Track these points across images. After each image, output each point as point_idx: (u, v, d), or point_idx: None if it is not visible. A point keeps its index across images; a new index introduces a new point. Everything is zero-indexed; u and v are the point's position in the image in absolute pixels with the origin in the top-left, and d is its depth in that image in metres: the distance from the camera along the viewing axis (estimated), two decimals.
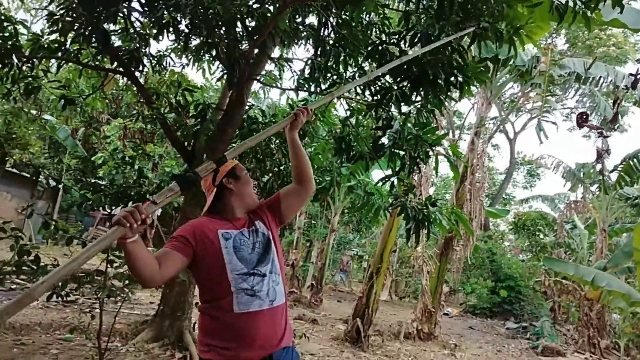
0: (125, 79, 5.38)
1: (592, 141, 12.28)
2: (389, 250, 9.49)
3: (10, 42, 4.28)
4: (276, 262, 2.02)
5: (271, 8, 4.43)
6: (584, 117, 10.76)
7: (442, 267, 11.06)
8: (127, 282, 3.42)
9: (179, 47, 5.53)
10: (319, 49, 4.72)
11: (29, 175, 15.75)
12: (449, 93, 4.07)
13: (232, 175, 2.13)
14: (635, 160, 11.10)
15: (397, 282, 21.53)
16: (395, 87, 4.04)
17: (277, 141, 4.39)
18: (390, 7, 5.46)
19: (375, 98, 4.27)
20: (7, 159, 11.49)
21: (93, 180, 4.50)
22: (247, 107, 4.81)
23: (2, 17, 4.20)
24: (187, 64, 6.19)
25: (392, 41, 4.08)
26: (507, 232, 25.17)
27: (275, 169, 4.40)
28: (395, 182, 4.62)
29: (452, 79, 3.83)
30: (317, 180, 13.70)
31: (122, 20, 4.12)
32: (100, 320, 3.29)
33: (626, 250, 9.89)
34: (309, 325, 9.35)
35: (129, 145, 6.32)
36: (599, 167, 12.33)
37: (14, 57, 4.39)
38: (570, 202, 16.39)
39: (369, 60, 4.43)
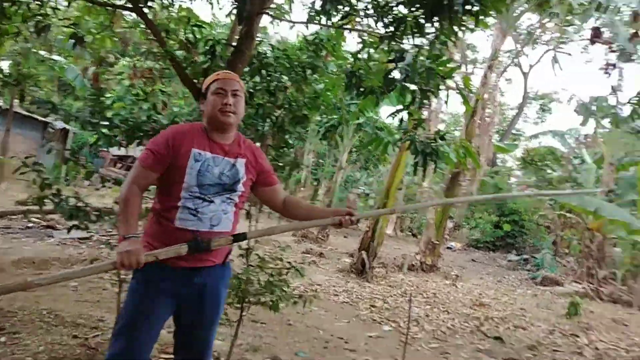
0: (134, 15, 5.33)
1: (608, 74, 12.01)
2: (396, 186, 9.67)
3: None
4: (235, 199, 2.07)
5: None
6: (598, 32, 10.46)
7: None
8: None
9: None
10: None
11: (39, 117, 15.88)
12: (464, 23, 3.99)
13: (203, 95, 2.12)
14: None
15: (402, 219, 21.94)
16: (409, 18, 3.96)
17: (291, 74, 4.40)
18: None
19: (388, 30, 4.21)
20: (25, 97, 11.53)
21: (103, 122, 4.58)
22: (256, 43, 4.76)
23: None
24: None
25: None
26: (515, 169, 25.22)
27: (287, 105, 4.44)
28: (405, 117, 4.64)
29: (468, 7, 3.73)
30: (326, 119, 13.71)
31: None
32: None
33: (631, 181, 9.97)
34: (316, 259, 9.72)
35: (138, 83, 6.35)
36: (613, 99, 12.21)
37: None
38: (580, 137, 16.30)
39: None
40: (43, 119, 16.36)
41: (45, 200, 3.02)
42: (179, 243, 1.93)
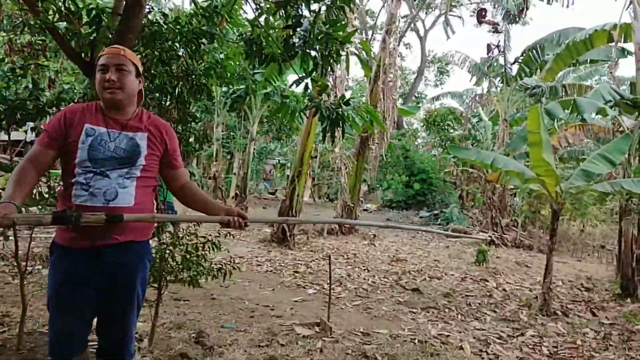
0: None
1: (496, 36, 12.87)
2: (309, 153, 9.73)
3: None
4: (136, 173, 2.00)
5: None
6: (483, 13, 11.15)
7: (359, 165, 11.57)
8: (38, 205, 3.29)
9: None
10: None
11: None
12: None
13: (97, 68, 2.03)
14: (534, 51, 11.68)
15: (319, 186, 22.27)
16: None
17: (184, 42, 4.17)
18: None
19: None
20: None
21: None
22: (146, 11, 4.46)
23: None
24: None
25: None
26: (420, 130, 26.32)
27: (183, 74, 4.22)
28: (309, 84, 4.63)
29: None
30: (232, 90, 13.38)
31: None
32: (16, 241, 3.18)
33: (522, 135, 10.79)
34: (236, 231, 9.59)
35: (17, 60, 5.73)
36: (501, 60, 13.03)
37: None
38: (476, 96, 17.29)
39: None
40: None
41: None
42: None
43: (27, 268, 3.37)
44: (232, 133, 17.82)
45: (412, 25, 25.82)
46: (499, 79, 14.37)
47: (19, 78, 3.90)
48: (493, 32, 12.01)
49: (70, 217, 1.74)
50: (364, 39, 15.01)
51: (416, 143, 24.19)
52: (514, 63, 12.60)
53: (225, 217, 2.03)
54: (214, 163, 14.89)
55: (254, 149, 16.03)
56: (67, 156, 1.97)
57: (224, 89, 13.13)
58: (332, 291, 4.76)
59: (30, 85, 4.25)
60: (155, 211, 2.62)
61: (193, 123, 5.18)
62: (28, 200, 3.18)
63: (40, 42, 6.16)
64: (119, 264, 1.98)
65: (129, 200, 1.96)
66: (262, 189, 22.08)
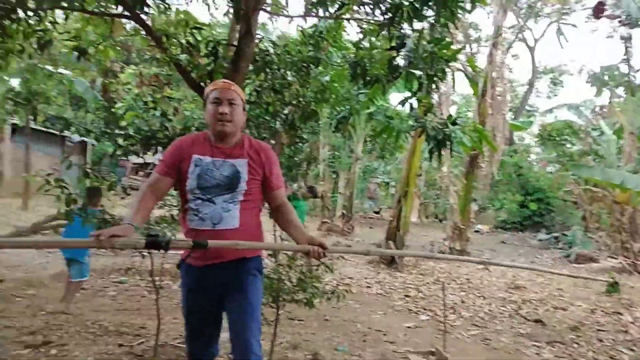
0: (132, 22, 5.29)
1: (616, 40, 11.74)
2: (415, 172, 9.55)
3: None
4: (239, 197, 2.14)
5: None
6: (602, 6, 10.22)
7: (469, 185, 11.10)
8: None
9: None
10: None
11: (57, 132, 15.70)
12: (460, 3, 3.89)
13: (204, 103, 2.24)
14: None
15: (425, 205, 21.74)
16: (406, 3, 3.86)
17: (295, 70, 4.32)
18: None
19: (385, 17, 4.11)
20: (37, 114, 11.60)
21: (118, 132, 4.55)
22: (257, 40, 4.69)
23: None
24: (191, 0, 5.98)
25: None
26: (533, 145, 24.79)
27: (294, 101, 4.37)
28: (415, 103, 4.56)
29: None
30: (337, 111, 13.62)
31: None
32: (152, 259, 3.47)
33: None
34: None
35: (147, 91, 6.31)
36: (624, 67, 11.88)
37: (19, 10, 4.30)
38: (596, 108, 15.90)
39: None
40: (60, 133, 16.25)
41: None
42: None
43: (159, 283, 3.65)
44: (337, 153, 18.11)
45: (519, 35, 24.60)
46: (621, 88, 13.13)
47: (150, 109, 4.28)
48: (623, 25, 10.90)
49: (160, 243, 1.88)
50: (470, 54, 14.56)
51: (529, 159, 22.75)
52: (638, 70, 11.43)
53: (307, 246, 2.11)
54: (321, 183, 15.18)
55: (359, 168, 16.12)
56: (181, 184, 2.18)
57: (329, 109, 13.42)
58: (445, 319, 4.56)
59: (159, 114, 4.63)
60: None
61: (301, 144, 5.29)
62: (161, 222, 3.48)
63: (166, 74, 6.74)
64: (230, 279, 2.16)
65: (233, 222, 2.12)
66: (367, 208, 22.07)
